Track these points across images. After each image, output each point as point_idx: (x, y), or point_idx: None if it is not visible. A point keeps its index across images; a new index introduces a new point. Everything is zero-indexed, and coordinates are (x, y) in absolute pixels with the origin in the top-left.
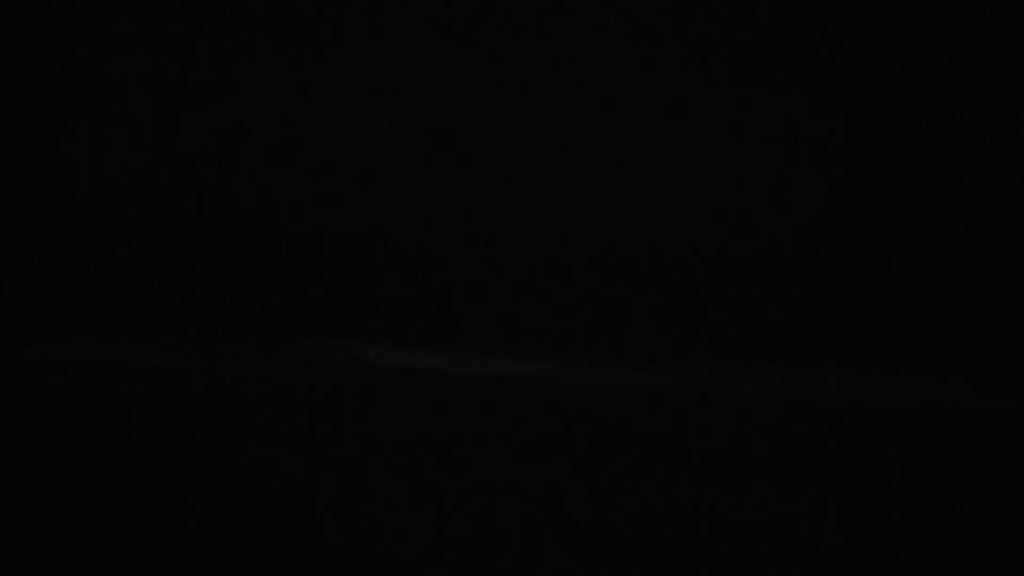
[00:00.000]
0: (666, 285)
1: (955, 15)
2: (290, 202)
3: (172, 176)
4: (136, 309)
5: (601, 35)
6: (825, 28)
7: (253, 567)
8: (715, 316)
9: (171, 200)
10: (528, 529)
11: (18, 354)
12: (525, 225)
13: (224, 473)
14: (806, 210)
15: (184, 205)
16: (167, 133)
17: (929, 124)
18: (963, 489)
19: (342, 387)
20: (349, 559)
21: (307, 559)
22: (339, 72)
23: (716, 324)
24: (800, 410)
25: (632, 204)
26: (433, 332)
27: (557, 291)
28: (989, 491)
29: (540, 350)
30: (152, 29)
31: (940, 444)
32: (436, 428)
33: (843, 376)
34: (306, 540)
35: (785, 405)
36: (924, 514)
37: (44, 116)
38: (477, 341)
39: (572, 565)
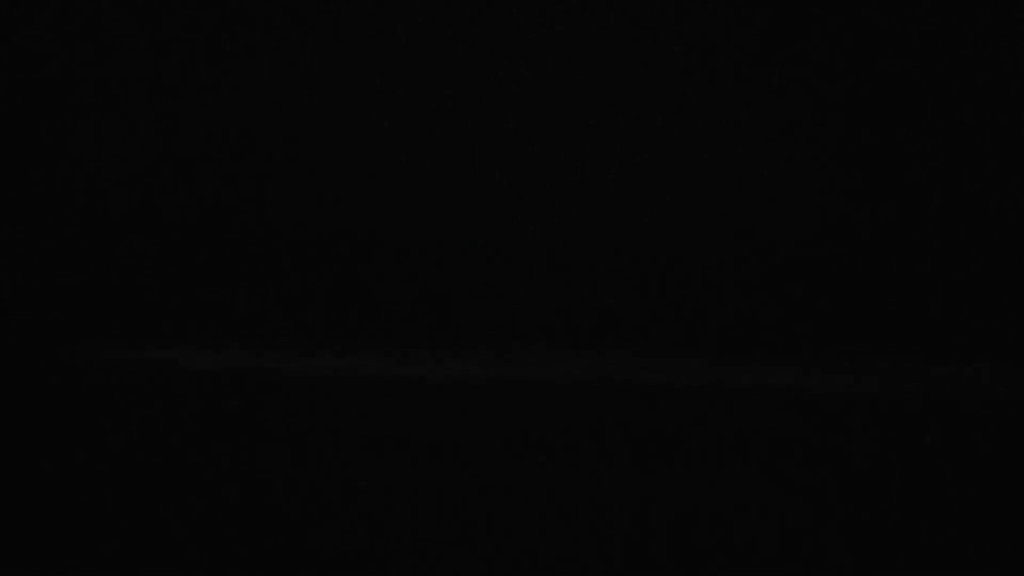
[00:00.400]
0: (665, 285)
1: (955, 15)
2: (290, 203)
3: (171, 176)
4: (139, 309)
5: (601, 35)
6: (825, 28)
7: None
8: (715, 315)
9: (170, 200)
10: (522, 530)
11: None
12: (524, 225)
13: (216, 475)
14: (805, 210)
15: (183, 205)
16: (167, 133)
17: (929, 124)
18: (963, 484)
19: (342, 389)
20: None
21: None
22: (337, 72)
23: (715, 323)
24: (800, 406)
25: (632, 204)
26: (431, 332)
27: (555, 290)
28: (987, 486)
29: (538, 350)
30: (152, 29)
31: (937, 438)
32: (434, 431)
33: (843, 372)
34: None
35: (785, 402)
36: (921, 509)
37: (44, 116)
38: (475, 341)
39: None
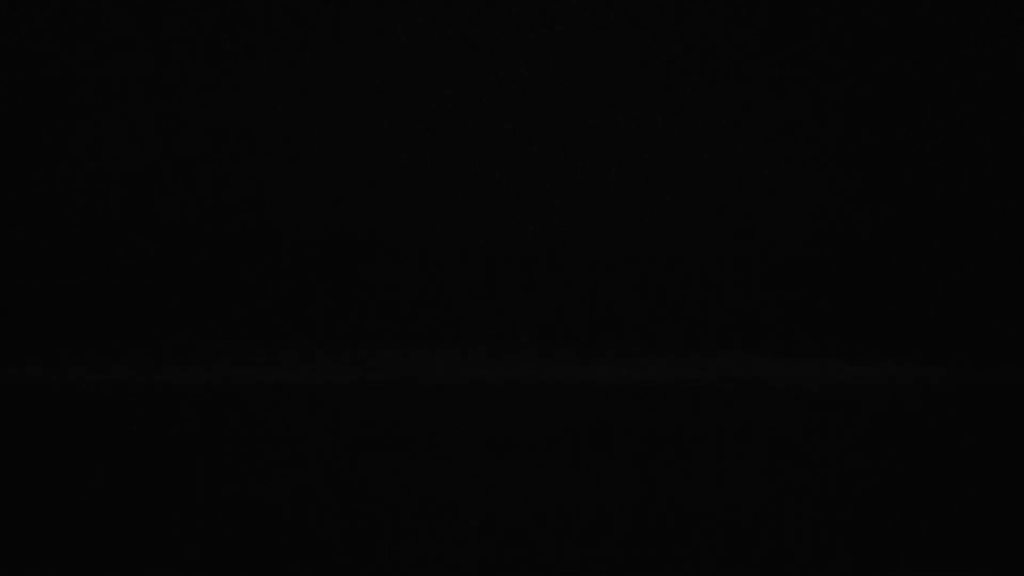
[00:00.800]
0: (665, 285)
1: (955, 15)
2: (290, 206)
3: (168, 183)
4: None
5: (601, 35)
6: (825, 28)
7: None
8: (714, 315)
9: (166, 207)
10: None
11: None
12: (524, 226)
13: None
14: (805, 210)
15: (180, 210)
16: (165, 134)
17: (929, 124)
18: (961, 483)
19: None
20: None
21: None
22: (333, 71)
23: (713, 323)
24: (799, 406)
25: (632, 205)
26: (431, 332)
27: (555, 291)
28: (985, 484)
29: (537, 351)
30: (152, 29)
31: (935, 437)
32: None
33: (838, 371)
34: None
35: (780, 399)
36: (918, 507)
37: (44, 116)
38: (476, 342)
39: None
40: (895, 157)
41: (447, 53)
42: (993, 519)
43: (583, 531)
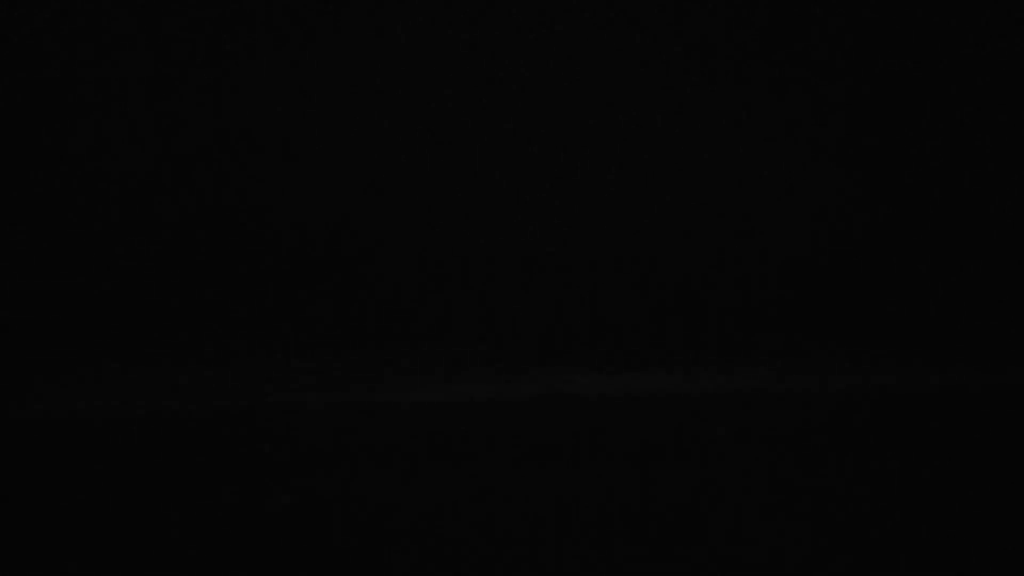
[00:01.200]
0: (666, 288)
1: (955, 15)
2: (292, 213)
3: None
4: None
5: (601, 35)
6: (825, 28)
7: None
8: (712, 320)
9: (164, 211)
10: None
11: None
12: (524, 228)
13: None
14: (798, 213)
15: (180, 216)
16: (167, 136)
17: (929, 125)
18: (960, 482)
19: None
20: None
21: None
22: (329, 73)
23: (712, 329)
24: (796, 407)
25: (630, 207)
26: (431, 334)
27: (555, 295)
28: (984, 483)
29: (540, 358)
30: (152, 29)
31: (933, 437)
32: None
33: (835, 372)
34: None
35: (780, 404)
36: (916, 507)
37: (44, 119)
38: (473, 345)
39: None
40: (893, 160)
41: (450, 54)
42: (993, 521)
43: (585, 539)
